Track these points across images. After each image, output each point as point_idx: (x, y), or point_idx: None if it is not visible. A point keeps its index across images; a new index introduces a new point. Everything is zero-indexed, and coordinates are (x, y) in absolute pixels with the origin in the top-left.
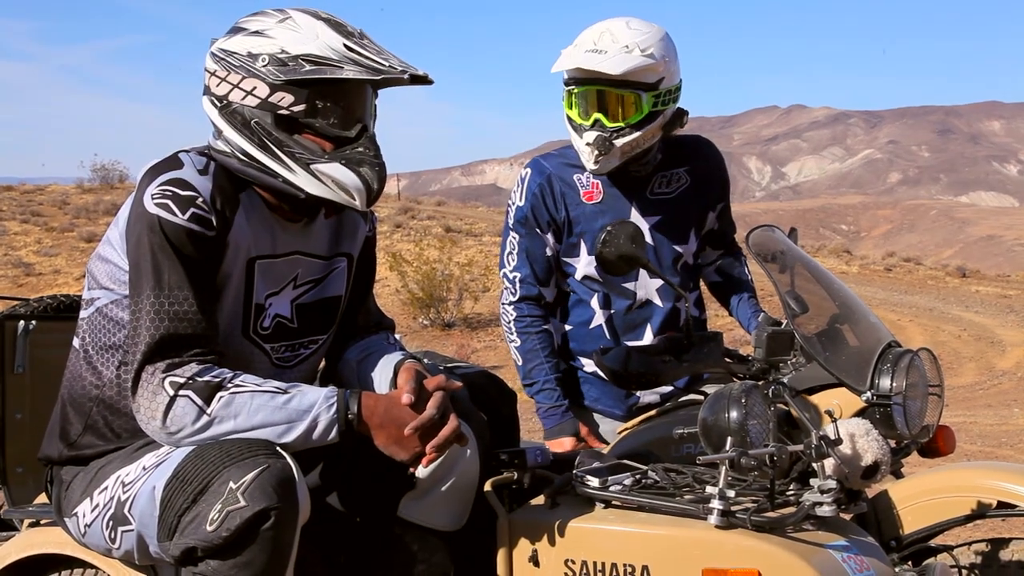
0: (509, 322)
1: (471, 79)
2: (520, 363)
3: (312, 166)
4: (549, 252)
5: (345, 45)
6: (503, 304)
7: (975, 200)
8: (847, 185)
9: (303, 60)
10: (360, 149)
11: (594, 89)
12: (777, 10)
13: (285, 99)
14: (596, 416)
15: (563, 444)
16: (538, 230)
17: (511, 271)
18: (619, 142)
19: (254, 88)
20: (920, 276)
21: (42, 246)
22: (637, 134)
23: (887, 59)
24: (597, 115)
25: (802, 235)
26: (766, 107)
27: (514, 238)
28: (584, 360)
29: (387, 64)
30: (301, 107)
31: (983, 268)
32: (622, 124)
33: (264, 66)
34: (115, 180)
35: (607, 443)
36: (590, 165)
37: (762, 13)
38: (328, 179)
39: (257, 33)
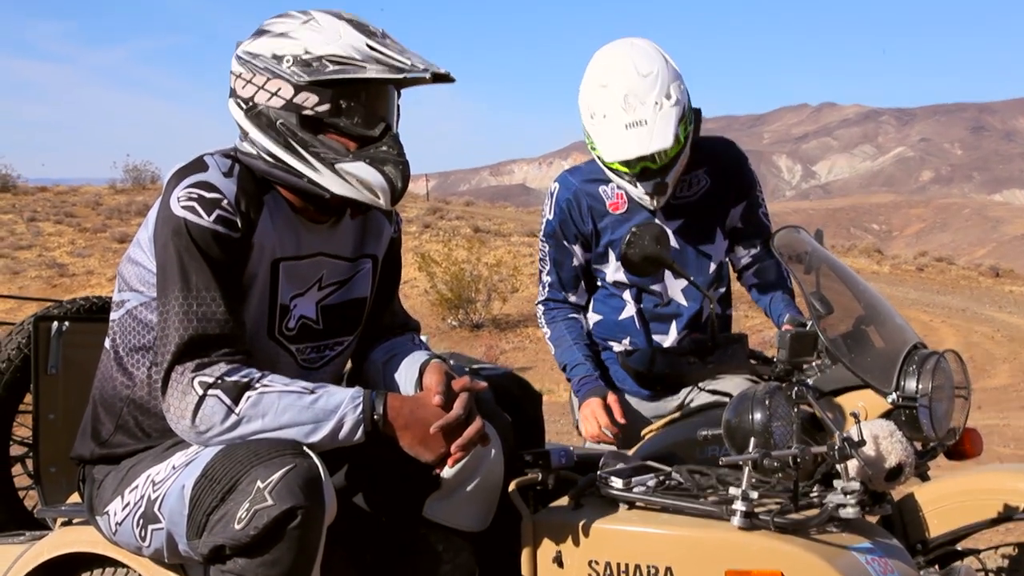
0: (539, 316)
1: (499, 78)
2: (553, 351)
3: (337, 165)
4: (576, 262)
5: (368, 45)
6: (536, 304)
7: (1009, 198)
8: (878, 184)
9: (327, 60)
10: (384, 148)
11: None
12: (806, 6)
13: (310, 99)
14: (626, 395)
15: (591, 406)
16: (565, 242)
17: (543, 276)
18: (670, 178)
19: (279, 89)
20: (953, 276)
21: (75, 247)
22: (680, 160)
23: (919, 55)
24: (644, 164)
25: (833, 234)
26: (796, 105)
27: (544, 247)
28: (612, 343)
29: (409, 63)
30: (325, 107)
31: (1017, 268)
32: (667, 160)
33: (288, 67)
34: (147, 181)
35: (635, 417)
36: (651, 206)
37: (791, 10)
38: (353, 178)
39: (282, 35)
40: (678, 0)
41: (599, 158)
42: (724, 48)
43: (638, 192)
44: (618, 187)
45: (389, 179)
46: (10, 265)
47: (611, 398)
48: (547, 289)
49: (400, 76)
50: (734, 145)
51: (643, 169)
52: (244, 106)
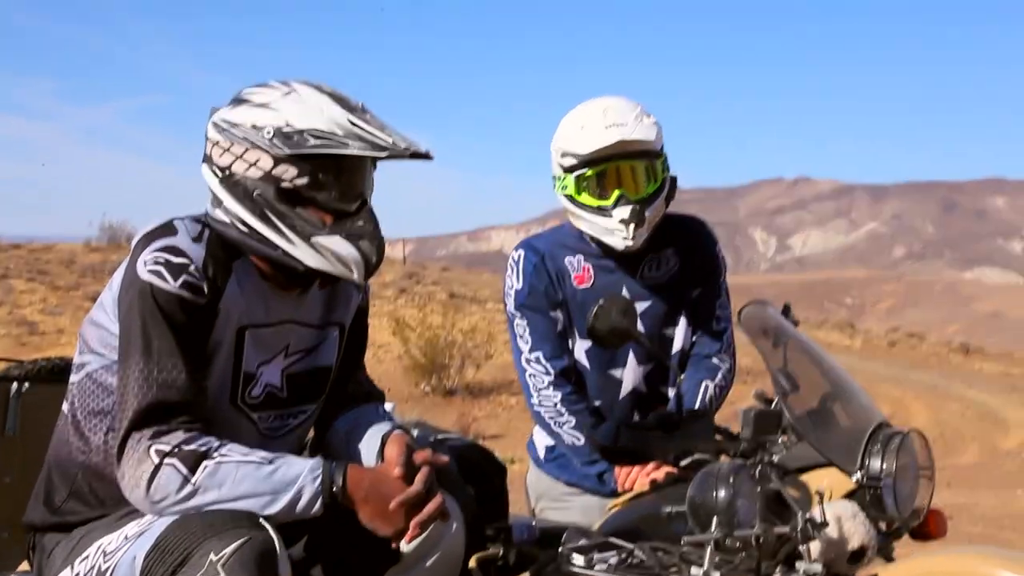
0: (555, 404)
1: (479, 145)
2: (580, 443)
3: (313, 239)
4: (560, 327)
5: (350, 120)
6: (537, 391)
7: (980, 276)
8: (852, 258)
9: (308, 135)
10: (360, 223)
11: (614, 165)
12: (782, 82)
13: (288, 172)
14: (581, 494)
15: (627, 472)
16: (543, 307)
17: (530, 352)
18: (648, 213)
19: (257, 160)
20: (923, 352)
21: (47, 304)
22: (658, 201)
23: (892, 133)
24: (619, 191)
25: (806, 307)
26: (772, 179)
27: (521, 321)
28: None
29: (391, 141)
30: (304, 180)
31: (987, 345)
32: (644, 195)
33: (269, 139)
34: (123, 239)
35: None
36: (623, 242)
37: (767, 85)
38: (328, 252)
39: (262, 106)
40: (654, 73)
41: (568, 182)
42: (701, 121)
43: (612, 222)
44: (574, 234)
45: (364, 254)
46: None
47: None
48: (549, 364)
49: (383, 155)
50: (706, 226)
51: (621, 197)
52: (220, 174)
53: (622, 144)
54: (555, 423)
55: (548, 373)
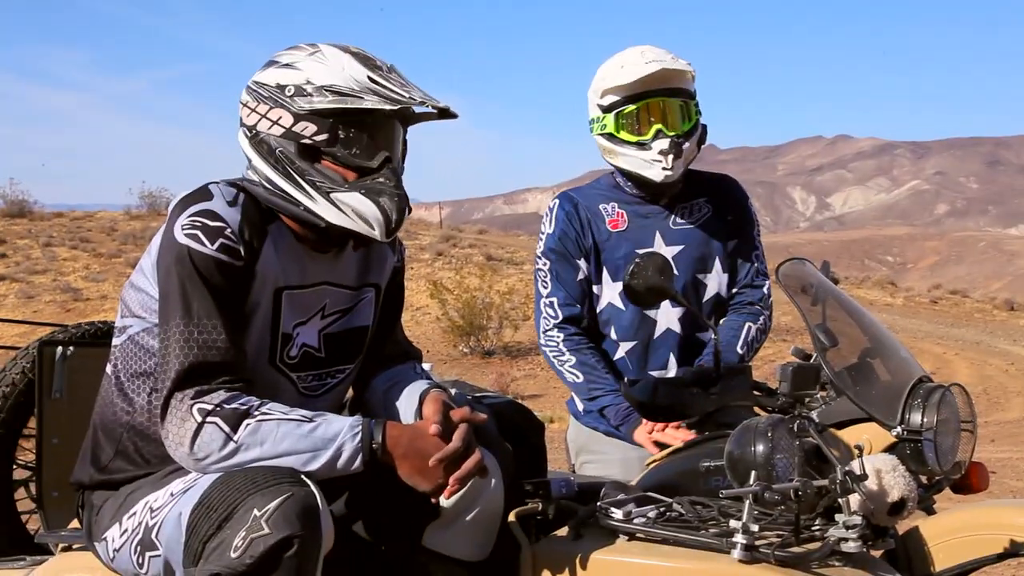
0: (557, 344)
1: (515, 107)
2: (579, 379)
3: (332, 195)
4: (581, 276)
5: (369, 77)
6: (544, 332)
7: None
8: (893, 216)
9: (327, 91)
10: (381, 180)
11: (654, 101)
12: (822, 40)
13: (308, 128)
14: (621, 443)
15: (641, 433)
16: (569, 255)
17: (547, 296)
18: (685, 146)
19: (279, 118)
20: (967, 309)
21: (90, 272)
22: (693, 139)
23: (935, 89)
24: (658, 126)
25: (847, 266)
26: (811, 137)
27: (545, 265)
28: None
29: (407, 95)
30: (323, 136)
31: None
32: (680, 131)
33: (290, 96)
34: (162, 207)
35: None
36: (662, 173)
37: (807, 43)
38: (348, 208)
39: (287, 66)
40: (694, 34)
41: (608, 121)
42: (740, 80)
43: (652, 154)
44: (611, 184)
45: (384, 210)
46: (25, 289)
47: (640, 434)
48: (559, 309)
49: (397, 107)
50: (737, 183)
51: (657, 132)
52: (248, 134)
53: (664, 73)
54: (557, 361)
55: (556, 316)
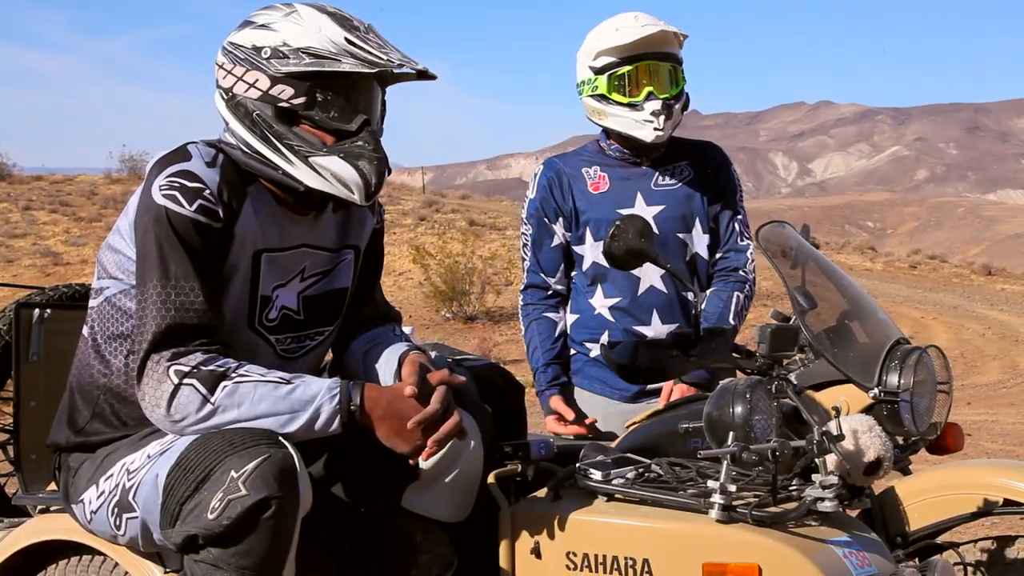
0: (522, 306)
1: (497, 72)
2: (527, 343)
3: (311, 159)
4: (556, 242)
5: (346, 39)
6: (520, 292)
7: (1003, 198)
8: (873, 182)
9: (303, 53)
10: (360, 143)
11: (646, 64)
12: (806, 4)
13: (285, 92)
14: (602, 399)
15: (547, 422)
16: (546, 220)
17: (523, 260)
18: (675, 108)
19: (256, 80)
20: (945, 274)
21: (70, 236)
22: (679, 104)
23: (915, 55)
24: (649, 88)
25: (827, 231)
26: (793, 103)
27: (526, 230)
28: (590, 345)
29: (385, 57)
30: (301, 100)
31: (1010, 266)
32: (669, 94)
33: (266, 59)
34: (143, 171)
35: (592, 420)
36: (653, 132)
37: (790, 8)
38: (327, 172)
39: (263, 27)
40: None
41: (600, 83)
42: (723, 46)
43: (644, 114)
44: (596, 149)
45: (363, 174)
46: (4, 253)
47: (556, 401)
48: (526, 275)
49: (375, 70)
50: (719, 148)
51: (648, 94)
52: (225, 96)
53: (659, 35)
54: (521, 321)
55: (523, 282)
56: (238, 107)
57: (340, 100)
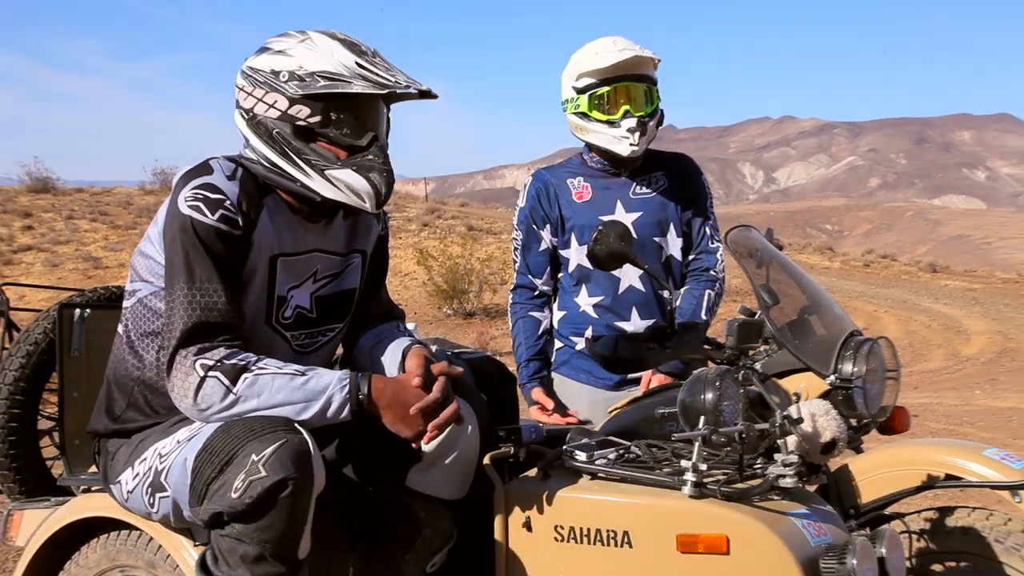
0: (511, 304)
1: (493, 90)
2: (513, 339)
3: (327, 172)
4: (544, 246)
5: (357, 63)
6: (511, 291)
7: (946, 203)
8: (832, 189)
9: (318, 76)
10: (370, 157)
11: (623, 85)
12: (770, 28)
13: (302, 111)
14: (587, 387)
15: (531, 412)
16: (535, 226)
17: (514, 263)
18: (649, 125)
19: (275, 101)
20: (895, 271)
21: (109, 242)
22: (654, 121)
23: (869, 73)
24: (626, 107)
25: (790, 234)
26: (759, 118)
27: (516, 235)
28: (576, 339)
29: (393, 80)
30: (317, 119)
31: (952, 264)
32: (645, 112)
33: (285, 82)
34: (172, 183)
35: (571, 410)
36: (629, 148)
37: (756, 30)
38: (341, 184)
39: (280, 52)
40: (657, 22)
41: (582, 102)
42: (696, 65)
43: (620, 131)
44: (580, 161)
45: (374, 185)
46: (50, 258)
47: (537, 393)
48: (516, 276)
49: (384, 92)
50: (691, 159)
51: (625, 112)
52: (246, 116)
53: (634, 60)
54: (509, 318)
55: (513, 282)
56: (259, 126)
57: (351, 118)
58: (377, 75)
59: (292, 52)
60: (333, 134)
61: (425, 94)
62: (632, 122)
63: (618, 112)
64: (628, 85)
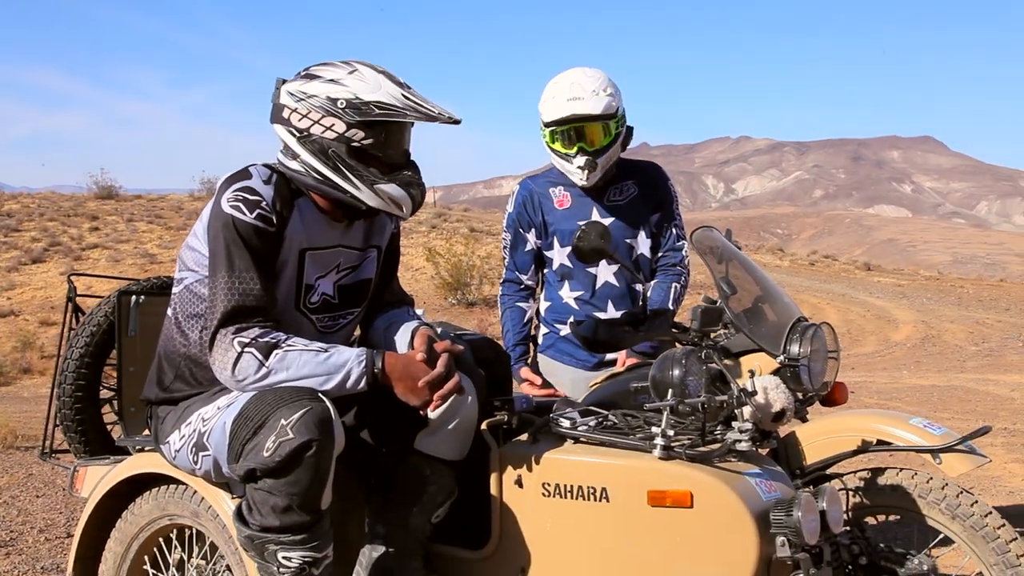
0: (501, 296)
1: (493, 107)
2: (503, 327)
3: (375, 186)
4: (529, 247)
5: (403, 95)
6: (500, 285)
7: (879, 211)
8: (782, 199)
9: (374, 106)
10: (409, 173)
11: (574, 127)
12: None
13: (358, 135)
14: (570, 368)
15: (521, 388)
16: (521, 230)
17: (504, 260)
18: (600, 160)
19: (333, 124)
20: (836, 269)
21: (163, 241)
22: (610, 151)
23: (814, 98)
24: (580, 144)
25: (746, 237)
26: (720, 137)
27: (505, 236)
28: (560, 326)
29: (436, 111)
30: (370, 141)
31: (884, 264)
32: (598, 147)
33: (342, 108)
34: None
35: (557, 387)
36: (582, 181)
37: (718, 57)
38: (386, 196)
39: (332, 81)
40: (627, 45)
41: (546, 134)
42: (665, 87)
43: (573, 166)
44: (560, 171)
45: (413, 197)
46: (113, 255)
47: (525, 371)
48: (505, 271)
49: (433, 122)
50: (660, 167)
51: (580, 149)
52: (297, 134)
53: (573, 117)
54: (499, 307)
55: (502, 276)
56: (313, 143)
57: (395, 141)
58: (422, 106)
59: (345, 82)
60: (382, 154)
61: (454, 121)
62: (582, 160)
63: (572, 149)
64: (577, 127)
